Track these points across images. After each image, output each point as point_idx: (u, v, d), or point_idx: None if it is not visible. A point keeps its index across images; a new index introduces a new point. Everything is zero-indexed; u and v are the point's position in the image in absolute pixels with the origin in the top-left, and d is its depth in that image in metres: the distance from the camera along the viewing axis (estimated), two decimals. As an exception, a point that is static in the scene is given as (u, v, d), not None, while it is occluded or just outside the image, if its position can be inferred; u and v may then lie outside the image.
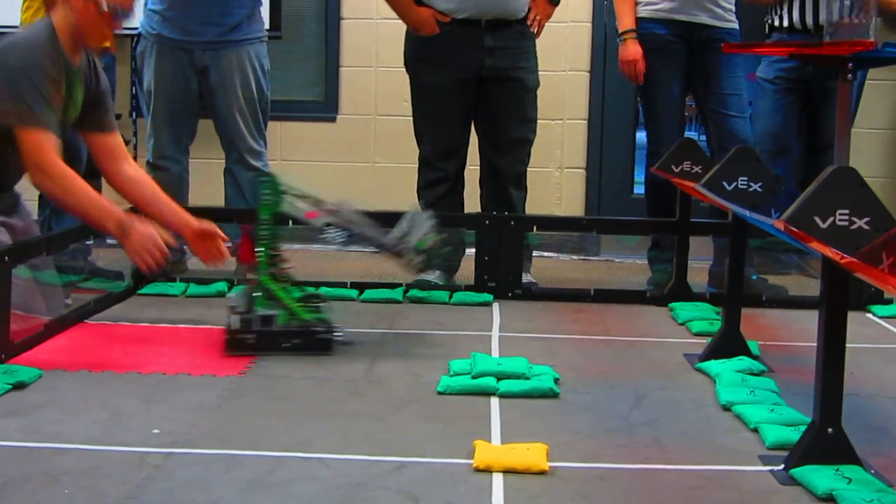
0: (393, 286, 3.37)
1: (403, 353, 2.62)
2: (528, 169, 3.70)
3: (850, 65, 2.15)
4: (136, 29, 3.91)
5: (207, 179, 4.02)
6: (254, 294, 2.54)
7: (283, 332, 2.52)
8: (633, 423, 2.08)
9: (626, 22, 3.66)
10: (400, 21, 3.64)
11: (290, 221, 2.79)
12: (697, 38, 3.64)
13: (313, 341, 2.54)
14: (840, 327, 1.76)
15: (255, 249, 2.56)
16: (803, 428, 1.89)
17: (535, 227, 3.53)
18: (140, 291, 3.28)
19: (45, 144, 2.63)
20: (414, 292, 3.33)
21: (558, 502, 1.66)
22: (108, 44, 4.03)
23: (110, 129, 2.97)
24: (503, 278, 3.34)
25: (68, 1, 2.74)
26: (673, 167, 3.11)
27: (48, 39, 2.72)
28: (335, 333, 2.57)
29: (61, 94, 2.75)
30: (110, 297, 3.12)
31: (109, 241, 3.83)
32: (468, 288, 3.36)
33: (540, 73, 3.66)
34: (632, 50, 3.63)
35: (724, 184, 2.51)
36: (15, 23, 3.69)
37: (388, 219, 2.59)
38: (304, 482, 1.71)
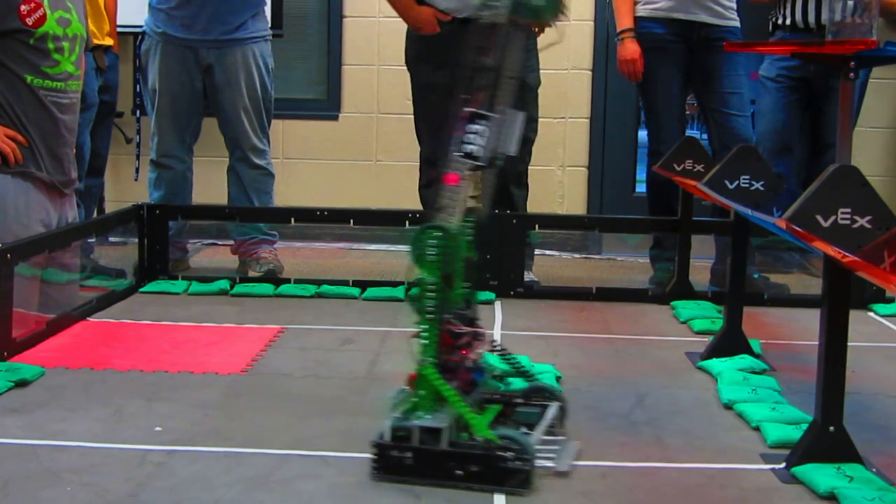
0: (395, 284, 3.37)
1: (405, 352, 2.61)
2: (530, 167, 3.70)
3: (852, 63, 2.15)
4: (140, 27, 3.92)
5: (210, 177, 4.02)
6: (417, 394, 1.78)
7: (453, 455, 1.72)
8: (634, 422, 2.09)
9: (624, 21, 3.66)
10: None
11: None
12: (697, 36, 3.64)
13: (498, 472, 1.70)
14: (842, 326, 1.76)
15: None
16: (805, 426, 1.89)
17: (536, 226, 3.53)
18: (142, 289, 3.28)
19: None
20: (416, 290, 3.32)
21: (559, 501, 1.67)
22: (111, 42, 4.04)
23: None
24: (505, 277, 3.34)
25: None
26: (675, 166, 3.11)
27: None
28: (532, 461, 1.71)
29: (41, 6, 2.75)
30: (112, 295, 3.12)
31: (112, 238, 3.84)
32: (470, 286, 3.35)
33: (542, 71, 3.66)
34: (630, 49, 3.63)
35: (726, 182, 2.51)
36: None
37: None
38: (305, 480, 1.72)
